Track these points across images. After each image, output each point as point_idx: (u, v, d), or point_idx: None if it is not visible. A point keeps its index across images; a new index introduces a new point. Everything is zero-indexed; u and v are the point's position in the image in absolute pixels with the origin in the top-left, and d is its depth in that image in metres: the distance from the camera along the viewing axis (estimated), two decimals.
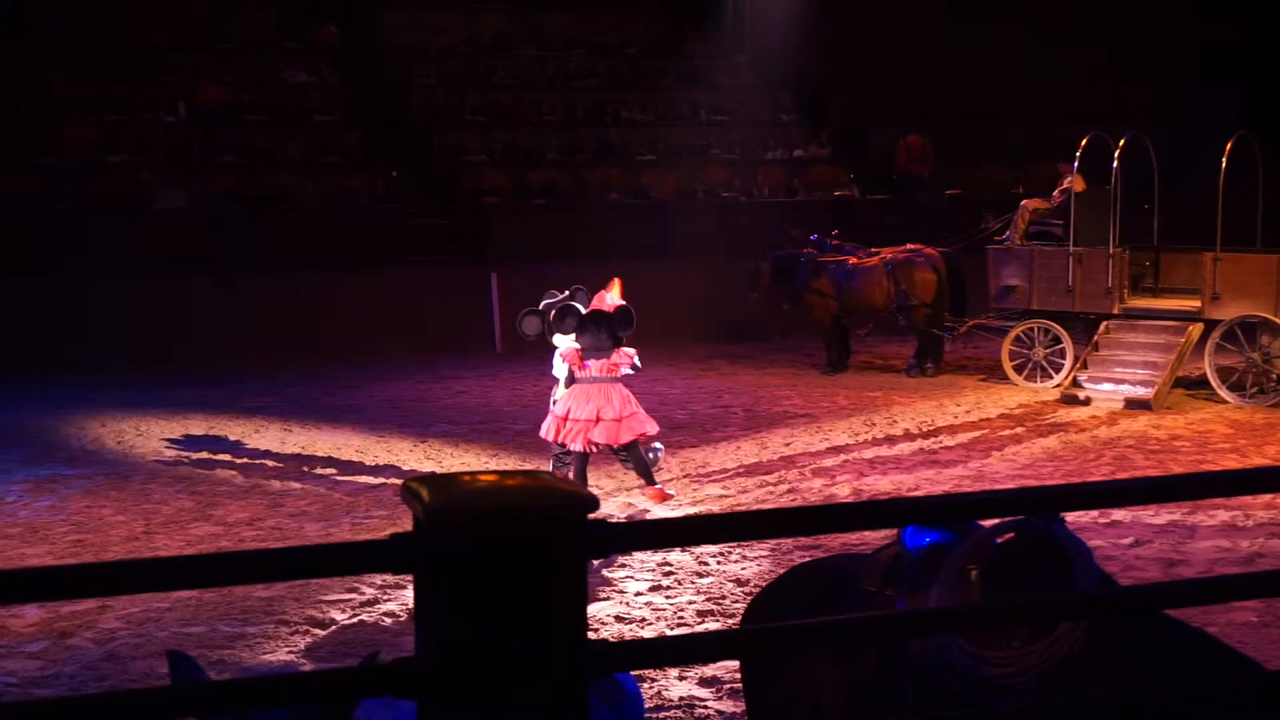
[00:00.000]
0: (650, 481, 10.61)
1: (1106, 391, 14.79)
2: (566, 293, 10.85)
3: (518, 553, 2.46)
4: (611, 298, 10.70)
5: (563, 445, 10.50)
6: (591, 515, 2.57)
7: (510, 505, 2.51)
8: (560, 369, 10.79)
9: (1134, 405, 14.45)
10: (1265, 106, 21.18)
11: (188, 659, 3.03)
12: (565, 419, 10.37)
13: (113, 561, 2.61)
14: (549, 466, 10.68)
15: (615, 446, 10.47)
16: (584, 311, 10.49)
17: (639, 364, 10.68)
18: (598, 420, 10.28)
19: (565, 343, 10.56)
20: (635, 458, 10.60)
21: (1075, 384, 15.02)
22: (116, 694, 2.64)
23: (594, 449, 10.46)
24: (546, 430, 10.62)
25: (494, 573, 2.44)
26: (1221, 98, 22.04)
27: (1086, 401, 14.68)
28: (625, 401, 10.41)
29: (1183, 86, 23.25)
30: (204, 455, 12.66)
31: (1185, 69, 23.70)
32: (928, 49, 23.55)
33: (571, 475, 10.41)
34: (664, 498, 10.61)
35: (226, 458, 12.54)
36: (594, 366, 10.39)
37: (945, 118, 23.51)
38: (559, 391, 10.82)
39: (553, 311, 10.60)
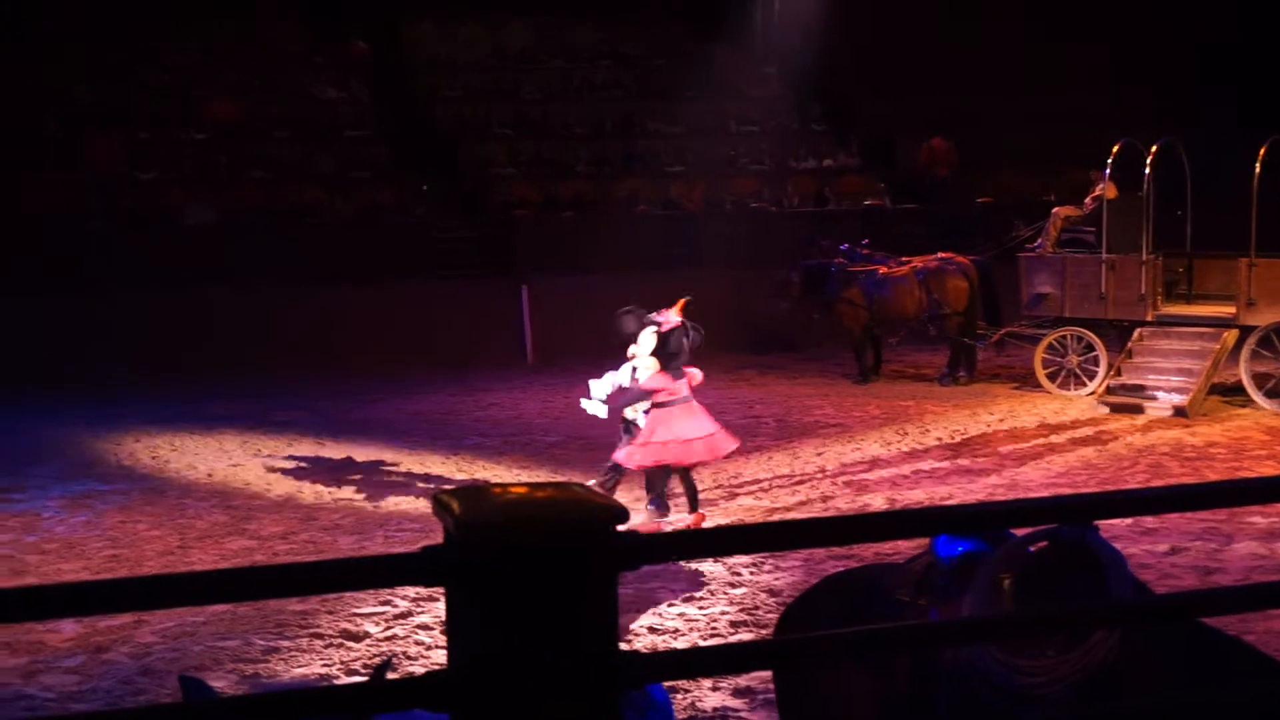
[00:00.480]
0: (695, 507, 10.52)
1: (1142, 398, 14.71)
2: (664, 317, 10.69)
3: (548, 565, 2.46)
4: (669, 317, 10.56)
5: (671, 468, 10.33)
6: (621, 527, 2.57)
7: (541, 518, 2.52)
8: (625, 377, 10.54)
9: (1170, 412, 14.36)
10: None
11: (198, 682, 3.05)
12: (668, 443, 10.11)
13: (148, 576, 2.62)
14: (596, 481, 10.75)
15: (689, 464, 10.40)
16: (659, 333, 10.34)
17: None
18: (712, 434, 10.26)
19: (647, 366, 10.40)
20: (689, 484, 10.57)
21: (1112, 391, 14.90)
22: (154, 708, 2.65)
23: (700, 465, 10.49)
24: (644, 458, 10.21)
25: (525, 585, 2.45)
26: (1225, 97, 21.99)
27: (1139, 409, 14.55)
28: (709, 414, 10.43)
29: (1189, 89, 23.14)
30: (237, 469, 12.71)
31: (1190, 71, 23.61)
32: (957, 56, 23.50)
33: (651, 491, 10.46)
34: (702, 521, 10.51)
35: (259, 472, 12.59)
36: (682, 385, 10.27)
37: (973, 124, 23.45)
38: (633, 414, 10.52)
39: (654, 336, 10.35)
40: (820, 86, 24.14)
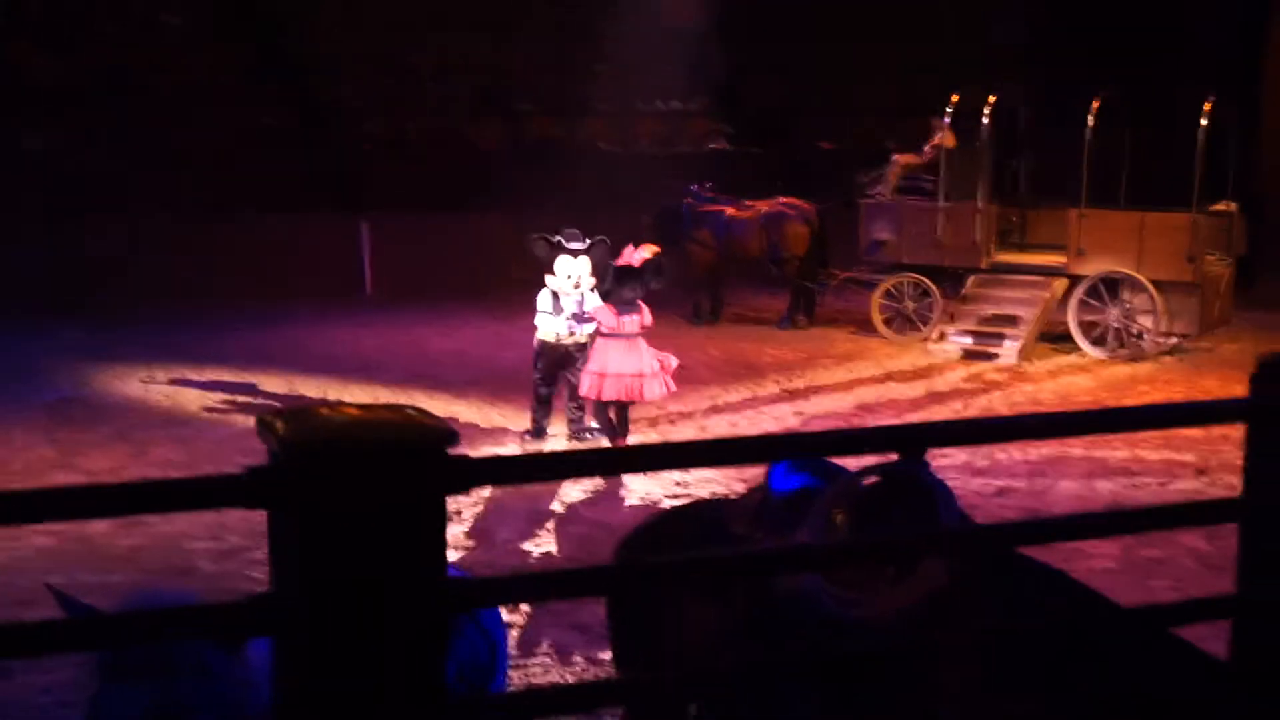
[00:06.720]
0: (623, 436, 10.74)
1: (973, 344, 15.04)
2: (588, 241, 10.74)
3: (375, 486, 2.40)
4: (640, 254, 10.70)
5: (615, 401, 10.50)
6: (452, 450, 2.52)
7: (368, 438, 2.45)
8: (545, 303, 10.74)
9: (999, 358, 14.72)
10: (1133, 60, 21.51)
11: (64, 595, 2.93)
12: (603, 375, 10.35)
13: None
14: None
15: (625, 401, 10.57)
16: (616, 266, 10.52)
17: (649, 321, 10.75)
18: (641, 375, 10.40)
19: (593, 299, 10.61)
20: (622, 416, 10.75)
21: (943, 337, 15.23)
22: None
23: (640, 400, 10.64)
24: (591, 389, 10.48)
25: (350, 507, 2.38)
26: (1094, 51, 22.41)
27: (962, 354, 14.91)
28: (654, 356, 10.56)
29: (1053, 41, 23.57)
30: (65, 403, 12.34)
31: (1056, 23, 24.03)
32: (801, 2, 23.66)
33: (615, 423, 10.69)
34: None
35: (89, 406, 12.24)
36: (628, 321, 10.42)
37: (818, 71, 23.65)
38: (544, 332, 10.78)
39: (600, 271, 10.55)
40: (671, 29, 24.12)
